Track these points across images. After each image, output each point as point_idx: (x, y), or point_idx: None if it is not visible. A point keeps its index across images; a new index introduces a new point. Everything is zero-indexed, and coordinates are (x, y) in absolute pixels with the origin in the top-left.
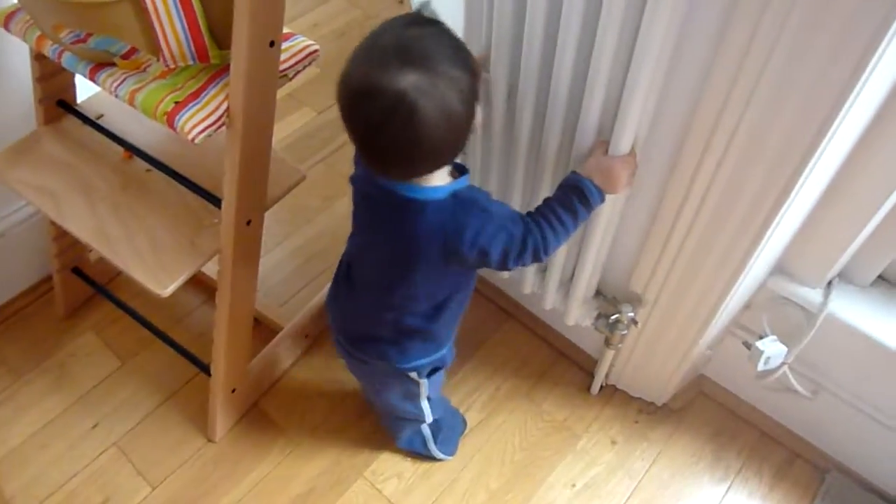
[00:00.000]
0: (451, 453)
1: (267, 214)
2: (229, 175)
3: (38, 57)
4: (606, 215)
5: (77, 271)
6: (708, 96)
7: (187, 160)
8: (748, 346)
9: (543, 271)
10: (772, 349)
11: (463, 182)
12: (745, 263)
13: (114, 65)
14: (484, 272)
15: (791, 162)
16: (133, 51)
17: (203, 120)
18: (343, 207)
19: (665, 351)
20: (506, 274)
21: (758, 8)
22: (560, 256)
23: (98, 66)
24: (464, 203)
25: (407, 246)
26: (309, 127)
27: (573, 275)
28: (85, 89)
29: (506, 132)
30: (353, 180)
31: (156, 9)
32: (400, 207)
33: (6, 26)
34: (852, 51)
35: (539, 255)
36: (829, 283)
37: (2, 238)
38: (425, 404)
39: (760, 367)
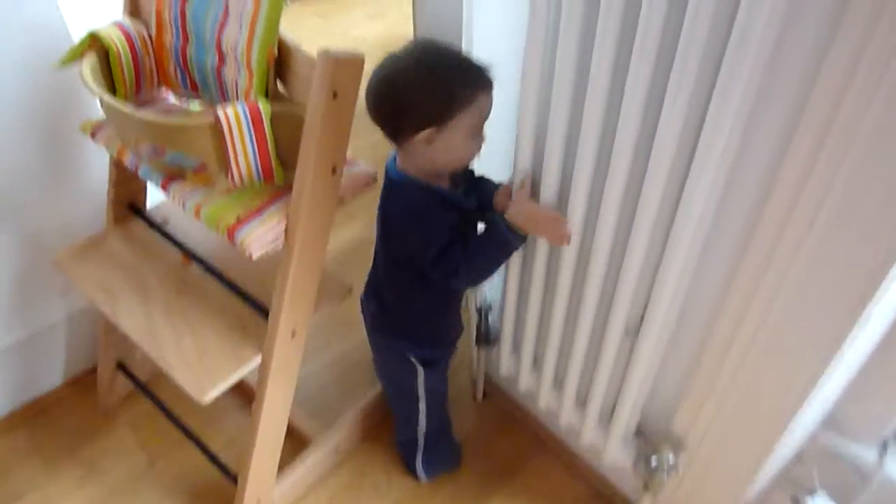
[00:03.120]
0: (428, 478)
1: None
2: (280, 289)
3: (116, 164)
4: (649, 353)
5: (121, 366)
6: (755, 244)
7: (241, 268)
8: (797, 501)
9: (583, 404)
10: None
11: (424, 183)
12: (792, 416)
13: (184, 177)
14: (522, 398)
15: (843, 314)
16: (204, 167)
17: (262, 236)
18: None
19: (707, 500)
20: (542, 403)
21: (805, 165)
22: (600, 388)
23: (170, 177)
24: (410, 187)
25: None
26: (357, 240)
27: (613, 410)
28: (154, 195)
29: (546, 291)
30: None
31: (231, 133)
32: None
33: (93, 136)
34: None
35: (454, 266)
36: (885, 442)
37: (52, 330)
38: (422, 404)
39: None
